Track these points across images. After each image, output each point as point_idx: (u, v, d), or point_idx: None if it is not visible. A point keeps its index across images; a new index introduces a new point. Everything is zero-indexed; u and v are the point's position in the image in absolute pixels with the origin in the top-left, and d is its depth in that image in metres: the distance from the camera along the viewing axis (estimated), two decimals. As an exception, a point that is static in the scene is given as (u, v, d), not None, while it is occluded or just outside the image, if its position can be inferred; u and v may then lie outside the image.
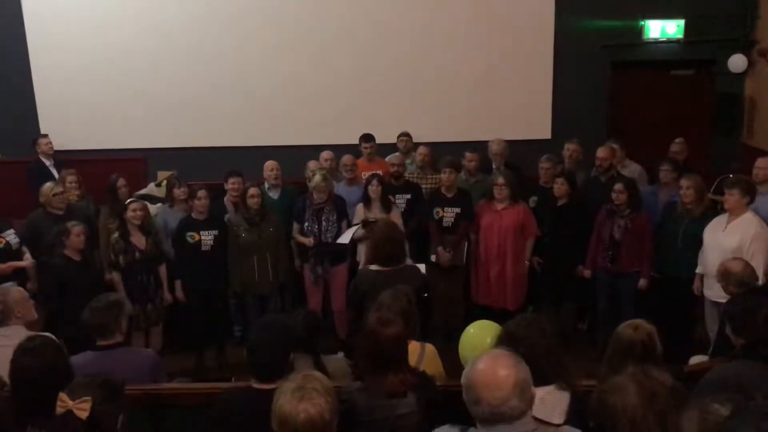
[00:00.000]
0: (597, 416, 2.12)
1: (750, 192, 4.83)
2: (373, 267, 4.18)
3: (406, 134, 7.00)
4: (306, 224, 5.77)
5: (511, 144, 6.89)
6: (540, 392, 2.20)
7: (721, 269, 4.05)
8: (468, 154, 6.37)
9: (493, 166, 6.56)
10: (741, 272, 3.92)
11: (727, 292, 3.98)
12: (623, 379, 2.13)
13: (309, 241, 5.72)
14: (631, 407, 2.02)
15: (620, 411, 2.03)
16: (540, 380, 2.20)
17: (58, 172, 6.85)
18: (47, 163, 7.16)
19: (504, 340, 2.57)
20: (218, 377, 5.32)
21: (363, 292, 4.06)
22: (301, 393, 2.05)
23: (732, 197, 4.82)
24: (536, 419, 2.06)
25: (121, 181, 6.11)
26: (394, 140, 7.05)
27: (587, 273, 5.69)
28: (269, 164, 6.22)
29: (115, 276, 5.28)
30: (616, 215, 5.43)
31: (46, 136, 7.31)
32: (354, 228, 5.72)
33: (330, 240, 5.70)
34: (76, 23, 7.75)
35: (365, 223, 5.75)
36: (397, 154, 6.84)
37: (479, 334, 3.50)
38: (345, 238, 5.66)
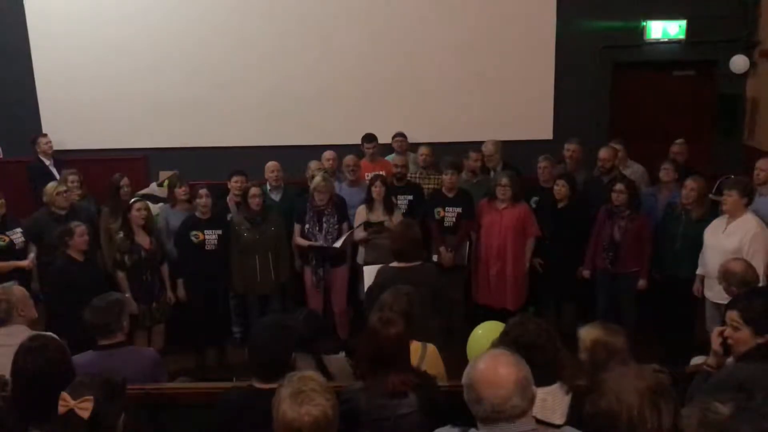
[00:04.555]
0: (593, 423, 2.11)
1: (748, 193, 4.83)
2: (393, 264, 4.40)
3: (401, 134, 6.97)
4: (307, 226, 5.78)
5: (513, 145, 6.90)
6: (541, 393, 2.21)
7: (722, 270, 4.04)
8: (473, 154, 6.39)
9: (489, 167, 6.56)
10: (743, 272, 3.91)
11: (729, 293, 3.97)
12: (612, 381, 2.11)
13: (319, 243, 5.69)
14: (627, 406, 2.02)
15: (616, 412, 2.03)
16: (541, 381, 2.20)
17: (58, 172, 6.86)
18: (47, 162, 7.17)
19: (504, 340, 2.57)
20: (219, 377, 5.33)
21: (380, 287, 4.14)
22: (301, 397, 2.05)
23: (730, 198, 4.82)
24: (537, 420, 2.07)
25: (124, 181, 6.12)
26: (393, 140, 7.06)
27: (586, 273, 5.69)
28: (270, 165, 6.22)
29: (121, 275, 5.30)
30: (615, 216, 5.44)
31: (45, 135, 7.32)
32: (348, 233, 5.72)
33: (329, 243, 5.71)
34: (78, 23, 7.77)
35: (368, 225, 5.76)
36: (394, 154, 6.83)
37: (488, 335, 3.50)
38: (338, 243, 5.67)
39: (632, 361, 2.66)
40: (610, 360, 2.68)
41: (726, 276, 3.97)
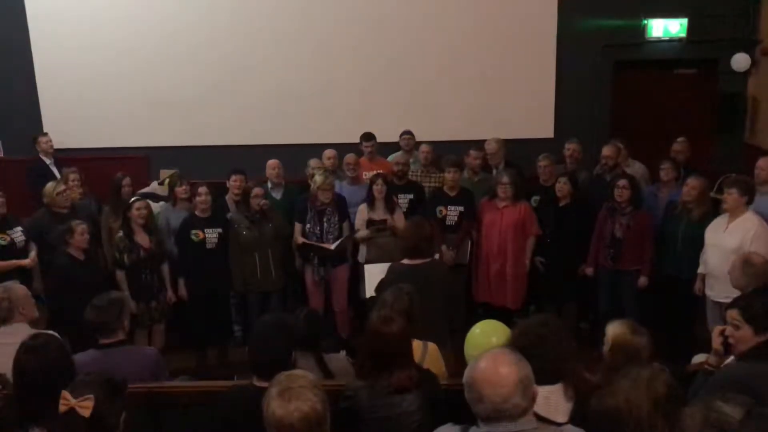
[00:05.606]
0: (600, 421, 2.10)
1: (748, 192, 4.82)
2: (404, 261, 4.39)
3: (409, 132, 7.00)
4: (308, 226, 5.77)
5: (514, 143, 6.89)
6: (544, 391, 2.20)
7: (742, 258, 3.95)
8: (473, 152, 6.39)
9: (492, 165, 6.56)
10: (761, 266, 3.83)
11: (735, 285, 3.91)
12: (626, 381, 2.11)
13: (319, 245, 5.69)
14: (636, 409, 2.01)
15: (623, 412, 2.02)
16: (546, 379, 2.20)
17: (59, 171, 6.86)
18: (47, 161, 7.15)
19: (514, 339, 2.55)
20: (220, 376, 5.32)
21: (390, 283, 4.15)
22: (288, 394, 2.07)
23: (730, 197, 4.81)
24: (539, 417, 2.06)
25: (126, 180, 6.12)
26: (395, 139, 7.06)
27: (589, 271, 5.68)
28: (271, 163, 6.22)
29: (120, 274, 5.29)
30: (617, 213, 5.44)
31: (46, 134, 7.30)
32: (345, 236, 5.72)
33: (330, 242, 5.70)
34: (78, 22, 7.76)
35: (370, 223, 5.76)
36: (400, 152, 6.84)
37: (485, 333, 3.50)
38: (333, 245, 5.66)
39: (650, 364, 2.66)
40: (632, 360, 2.67)
41: (744, 266, 3.88)
